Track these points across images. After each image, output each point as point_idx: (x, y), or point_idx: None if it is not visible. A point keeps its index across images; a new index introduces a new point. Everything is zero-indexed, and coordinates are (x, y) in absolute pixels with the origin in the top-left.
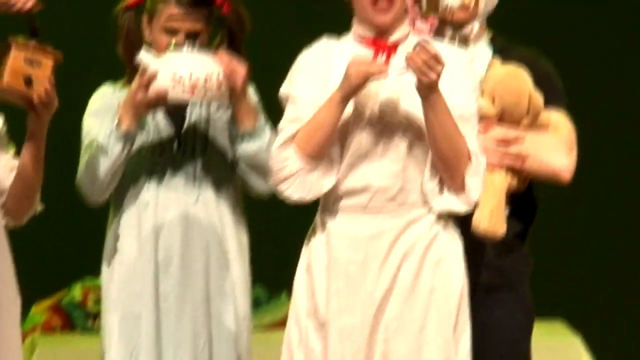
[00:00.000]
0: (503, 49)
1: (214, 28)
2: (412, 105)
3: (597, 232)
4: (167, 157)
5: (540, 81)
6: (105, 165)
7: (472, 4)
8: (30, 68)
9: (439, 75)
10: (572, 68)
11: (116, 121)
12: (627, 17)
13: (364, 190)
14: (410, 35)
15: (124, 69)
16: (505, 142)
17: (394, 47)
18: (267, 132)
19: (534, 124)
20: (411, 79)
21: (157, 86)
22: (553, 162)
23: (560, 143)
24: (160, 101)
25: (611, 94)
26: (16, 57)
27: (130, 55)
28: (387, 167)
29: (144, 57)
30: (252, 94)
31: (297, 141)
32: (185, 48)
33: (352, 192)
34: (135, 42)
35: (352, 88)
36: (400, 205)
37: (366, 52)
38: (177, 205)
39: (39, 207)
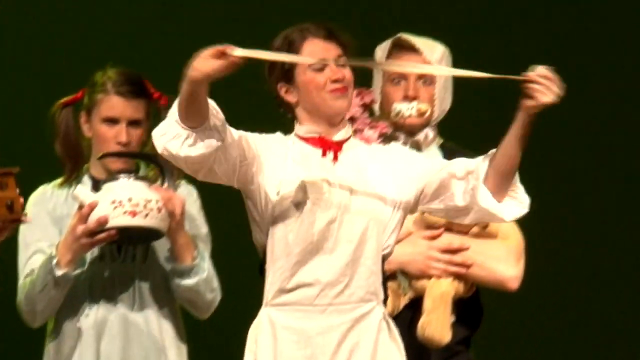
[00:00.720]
0: (453, 155)
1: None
2: (364, 201)
3: (543, 339)
4: (107, 264)
5: None
6: (43, 302)
7: (428, 112)
8: (4, 193)
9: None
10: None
11: (55, 261)
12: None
13: (312, 285)
14: (352, 138)
15: (62, 168)
16: (450, 251)
17: (339, 145)
18: (205, 266)
19: (483, 232)
20: (363, 172)
21: (96, 214)
22: (501, 271)
23: (509, 252)
24: (101, 227)
25: (552, 203)
26: None
27: (69, 153)
28: (336, 262)
29: (80, 192)
30: (202, 224)
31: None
32: (121, 177)
33: (300, 286)
34: (73, 140)
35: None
36: (347, 301)
37: (312, 150)
38: (117, 314)
39: None
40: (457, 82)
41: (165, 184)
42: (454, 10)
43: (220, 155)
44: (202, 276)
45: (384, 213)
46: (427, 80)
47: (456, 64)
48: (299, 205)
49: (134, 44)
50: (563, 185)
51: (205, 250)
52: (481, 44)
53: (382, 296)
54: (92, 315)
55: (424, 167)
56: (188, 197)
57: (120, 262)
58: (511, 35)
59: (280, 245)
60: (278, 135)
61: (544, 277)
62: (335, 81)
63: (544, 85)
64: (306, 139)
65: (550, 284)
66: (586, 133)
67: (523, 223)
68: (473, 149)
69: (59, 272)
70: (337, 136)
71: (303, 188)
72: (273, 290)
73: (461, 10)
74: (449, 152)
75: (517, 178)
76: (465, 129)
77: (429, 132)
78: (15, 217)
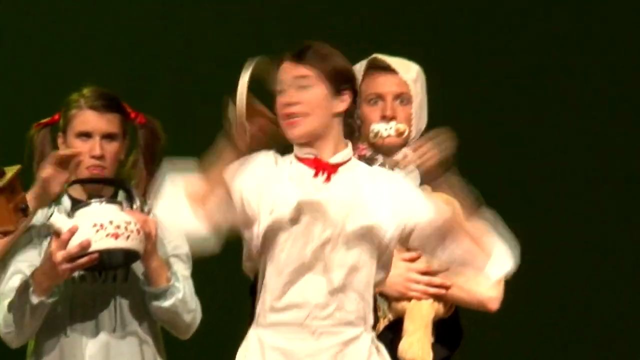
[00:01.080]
0: (430, 174)
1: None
2: (358, 224)
3: (523, 359)
4: (88, 285)
5: None
6: (21, 326)
7: (407, 131)
8: (16, 195)
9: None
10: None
11: (31, 289)
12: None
13: (302, 306)
14: (352, 159)
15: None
16: (430, 272)
17: (334, 167)
18: (180, 287)
19: None
20: (358, 196)
21: (78, 239)
22: (481, 292)
23: None
24: (83, 252)
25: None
26: (2, 202)
27: None
28: (327, 284)
29: (56, 219)
30: (183, 244)
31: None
32: (93, 202)
33: (290, 307)
34: None
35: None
36: (337, 323)
37: (306, 170)
38: (97, 335)
39: None
40: (432, 100)
41: (135, 207)
42: (453, 9)
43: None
44: (178, 297)
45: (376, 238)
46: (404, 99)
47: (456, 62)
48: (291, 224)
49: (133, 44)
50: (555, 199)
51: (185, 270)
52: (481, 45)
53: (371, 322)
54: (73, 336)
55: (419, 217)
56: None
57: (101, 282)
58: (511, 36)
59: (272, 264)
60: (265, 155)
61: (524, 297)
62: (286, 105)
63: (425, 154)
64: (302, 160)
65: (530, 304)
66: (585, 133)
67: None
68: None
69: (36, 300)
70: (334, 159)
71: (296, 207)
72: (263, 310)
73: (461, 10)
74: (426, 173)
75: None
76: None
77: (407, 152)
78: (29, 219)
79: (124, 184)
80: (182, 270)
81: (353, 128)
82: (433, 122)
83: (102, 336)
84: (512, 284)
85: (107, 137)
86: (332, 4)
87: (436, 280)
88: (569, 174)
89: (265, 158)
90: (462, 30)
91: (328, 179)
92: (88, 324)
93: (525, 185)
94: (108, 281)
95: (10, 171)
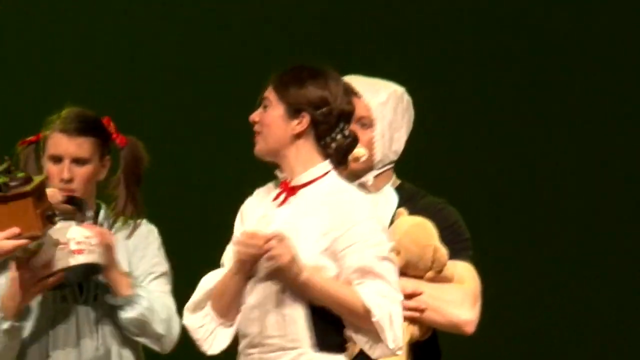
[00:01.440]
0: (410, 197)
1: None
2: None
3: None
4: (69, 305)
5: (446, 231)
6: None
7: (364, 157)
8: (44, 204)
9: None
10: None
11: (1, 315)
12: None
13: (245, 334)
14: (327, 178)
15: None
16: (403, 295)
17: (293, 190)
18: (145, 296)
19: (438, 277)
20: (301, 220)
21: (42, 259)
22: (456, 314)
23: (465, 295)
24: (49, 272)
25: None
26: (30, 206)
27: None
28: (255, 312)
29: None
30: (163, 261)
31: (211, 303)
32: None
33: (240, 336)
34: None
35: (240, 264)
36: (270, 349)
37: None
38: (80, 355)
39: None
40: (418, 121)
41: (87, 222)
42: (453, 9)
43: None
44: (143, 305)
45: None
46: (366, 123)
47: (455, 62)
48: None
49: (133, 44)
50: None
51: (165, 285)
52: (481, 45)
53: (309, 341)
54: (55, 357)
55: (350, 258)
56: (149, 235)
57: (82, 302)
58: (511, 35)
59: None
60: (262, 190)
61: (501, 319)
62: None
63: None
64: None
65: (507, 326)
66: (585, 133)
67: (479, 265)
68: (432, 190)
69: (6, 325)
70: (295, 181)
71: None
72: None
73: (460, 11)
74: (407, 197)
75: (379, 328)
76: (425, 169)
77: (370, 177)
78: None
79: (75, 201)
80: (162, 286)
81: (329, 150)
82: (432, 123)
83: (85, 356)
84: (488, 306)
85: (77, 161)
86: (332, 4)
87: (410, 303)
88: (569, 175)
89: (251, 204)
90: (462, 30)
91: (283, 202)
92: (70, 344)
93: (525, 185)
94: (89, 301)
95: (38, 178)
